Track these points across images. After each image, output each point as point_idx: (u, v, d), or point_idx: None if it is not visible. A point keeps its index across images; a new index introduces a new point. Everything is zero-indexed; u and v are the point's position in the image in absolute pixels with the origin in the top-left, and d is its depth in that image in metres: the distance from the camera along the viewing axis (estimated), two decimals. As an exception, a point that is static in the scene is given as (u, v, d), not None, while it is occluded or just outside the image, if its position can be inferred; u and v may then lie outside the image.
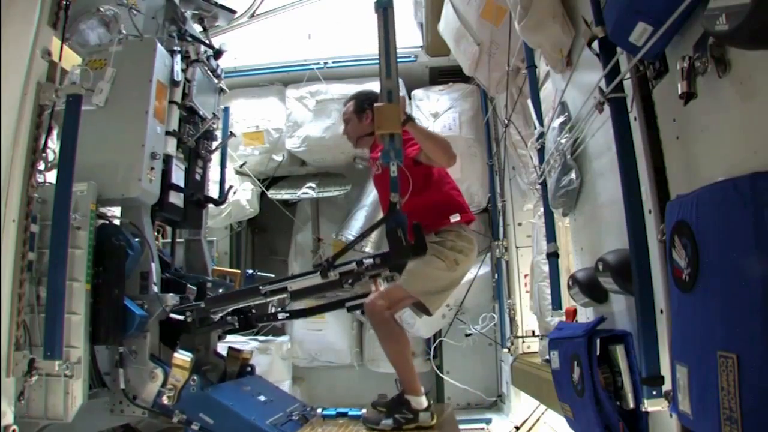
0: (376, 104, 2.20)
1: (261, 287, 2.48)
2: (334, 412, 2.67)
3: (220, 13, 3.34)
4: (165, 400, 2.30)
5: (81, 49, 2.68)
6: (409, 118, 2.38)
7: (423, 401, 2.47)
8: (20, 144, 1.82)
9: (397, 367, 2.52)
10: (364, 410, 2.57)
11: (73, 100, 1.95)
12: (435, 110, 4.21)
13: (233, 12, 3.48)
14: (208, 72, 3.16)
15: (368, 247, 4.32)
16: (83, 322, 2.10)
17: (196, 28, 3.23)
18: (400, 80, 4.31)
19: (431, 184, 2.62)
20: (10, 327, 1.77)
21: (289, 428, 2.43)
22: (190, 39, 2.97)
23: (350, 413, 2.64)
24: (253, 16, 4.16)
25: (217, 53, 3.23)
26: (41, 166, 1.92)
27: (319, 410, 2.74)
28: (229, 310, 2.66)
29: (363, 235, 2.46)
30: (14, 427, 1.75)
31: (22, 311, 1.82)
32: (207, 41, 3.22)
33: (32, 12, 1.86)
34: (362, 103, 2.78)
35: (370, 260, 2.30)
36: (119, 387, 2.31)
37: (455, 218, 2.54)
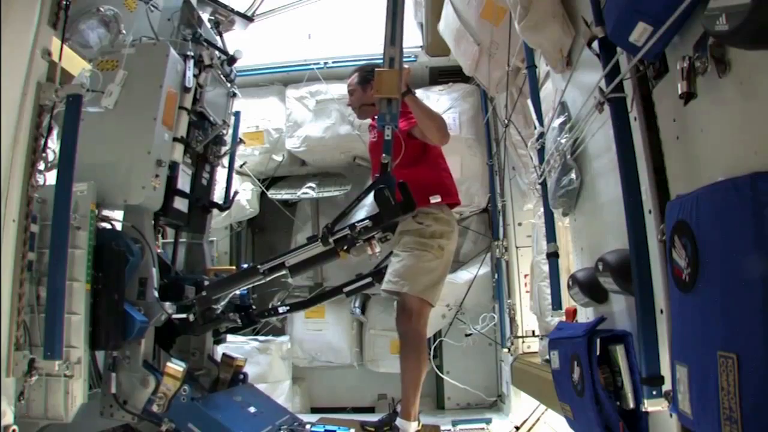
0: (377, 69, 2.24)
1: (259, 266, 2.49)
2: (322, 429, 2.69)
3: (237, 19, 3.32)
4: (155, 407, 2.31)
5: (81, 49, 2.68)
6: (410, 91, 2.41)
7: (413, 428, 2.48)
8: (20, 144, 1.82)
9: (406, 389, 2.52)
10: (352, 430, 2.59)
11: (73, 100, 1.94)
12: (435, 110, 4.21)
13: (251, 19, 3.45)
14: (221, 77, 3.13)
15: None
16: (83, 322, 2.10)
17: (213, 34, 3.21)
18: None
19: (423, 160, 2.66)
20: (10, 327, 1.77)
21: None
22: (204, 43, 2.94)
23: None
24: (253, 15, 4.15)
25: (231, 59, 3.19)
26: (41, 166, 1.92)
27: (307, 426, 2.75)
28: (231, 306, 2.66)
29: (358, 199, 2.46)
30: (14, 427, 1.75)
31: (22, 311, 1.82)
32: (222, 46, 3.19)
33: (32, 12, 1.85)
34: (367, 74, 2.87)
35: (363, 223, 2.32)
36: (110, 391, 2.31)
37: (435, 199, 2.56)
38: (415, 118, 2.56)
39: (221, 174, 3.40)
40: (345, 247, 2.35)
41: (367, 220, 2.33)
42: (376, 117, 2.60)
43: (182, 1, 2.90)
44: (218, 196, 3.39)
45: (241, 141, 3.48)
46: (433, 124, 2.54)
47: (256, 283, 2.59)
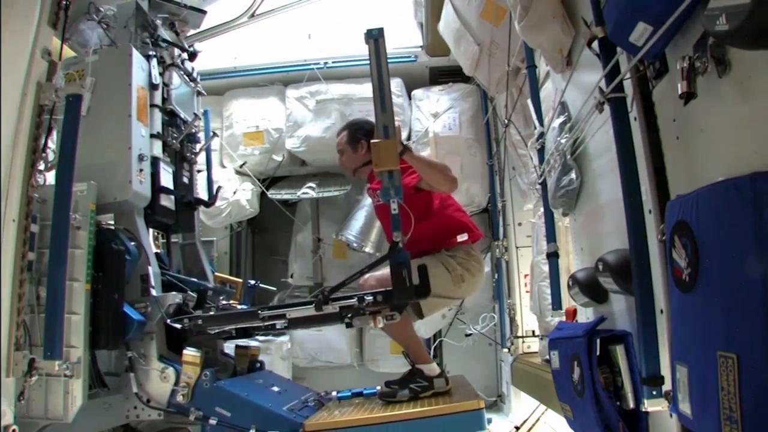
0: (372, 141, 2.20)
1: (260, 311, 2.44)
2: (349, 393, 2.69)
3: (189, 15, 3.32)
4: (180, 398, 2.30)
5: (81, 49, 2.69)
6: (406, 149, 2.36)
7: (435, 368, 2.50)
8: (20, 144, 1.82)
9: (403, 342, 2.56)
10: (378, 388, 2.57)
11: (73, 100, 1.95)
12: (435, 110, 4.22)
13: (203, 12, 3.47)
14: (185, 76, 3.18)
15: (368, 248, 4.33)
16: (83, 322, 2.10)
17: (169, 34, 3.24)
18: (400, 80, 4.35)
19: (434, 209, 2.62)
20: (10, 327, 1.77)
21: (306, 413, 2.42)
22: (163, 44, 3.00)
23: (365, 392, 2.66)
24: (253, 16, 4.16)
25: (192, 55, 3.25)
26: (41, 166, 1.92)
27: (334, 393, 2.75)
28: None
29: (361, 272, 2.39)
30: (14, 427, 1.75)
31: (22, 311, 1.82)
32: (180, 44, 3.22)
33: (32, 12, 1.85)
34: (356, 132, 2.77)
35: (371, 297, 2.26)
36: (132, 392, 2.31)
37: (462, 237, 2.56)
38: (416, 171, 2.51)
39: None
40: (349, 315, 2.30)
41: (377, 296, 2.26)
42: (373, 178, 2.60)
43: (134, 7, 2.95)
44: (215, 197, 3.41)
45: (215, 134, 3.52)
46: (438, 174, 2.48)
47: (253, 325, 2.56)
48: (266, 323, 2.46)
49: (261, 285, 3.39)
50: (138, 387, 2.33)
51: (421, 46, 4.33)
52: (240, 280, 3.41)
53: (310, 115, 4.38)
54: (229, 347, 3.03)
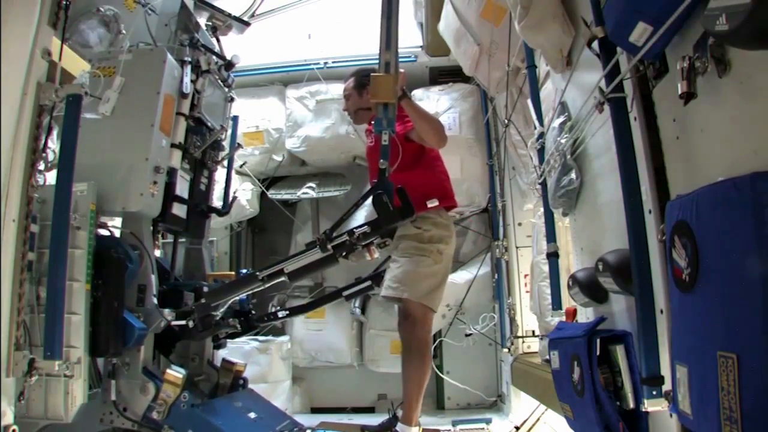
0: (373, 74, 2.25)
1: (258, 273, 2.49)
2: None
3: (234, 24, 3.33)
4: (155, 414, 2.31)
5: (81, 49, 2.68)
6: (405, 95, 2.41)
7: None
8: (20, 144, 1.82)
9: (409, 395, 2.51)
10: None
11: (73, 99, 1.94)
12: (435, 110, 4.20)
13: (248, 24, 3.46)
14: (219, 81, 3.13)
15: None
16: (83, 322, 2.10)
17: (210, 38, 3.21)
18: (401, 80, 4.34)
19: (420, 163, 2.66)
20: (10, 327, 1.77)
21: None
22: (201, 49, 2.94)
23: None
24: (253, 16, 4.16)
25: (229, 64, 3.19)
26: (41, 166, 1.92)
27: (308, 431, 2.76)
28: (230, 312, 2.65)
29: (356, 204, 2.45)
30: (14, 427, 1.75)
31: (22, 311, 1.82)
32: (219, 51, 3.19)
33: (32, 12, 1.85)
34: (362, 78, 2.87)
35: (361, 229, 2.32)
36: (110, 398, 2.31)
37: (432, 203, 2.53)
38: (411, 122, 2.55)
39: (220, 174, 3.39)
40: (344, 253, 2.34)
41: (366, 226, 2.32)
42: (372, 122, 2.60)
43: (180, 6, 2.88)
44: (217, 196, 3.39)
45: (240, 146, 3.47)
46: (430, 127, 2.54)
47: (255, 290, 2.57)
48: (266, 284, 2.49)
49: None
50: (117, 394, 2.33)
51: (421, 46, 4.32)
52: (233, 273, 3.40)
53: (310, 115, 4.37)
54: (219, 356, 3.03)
